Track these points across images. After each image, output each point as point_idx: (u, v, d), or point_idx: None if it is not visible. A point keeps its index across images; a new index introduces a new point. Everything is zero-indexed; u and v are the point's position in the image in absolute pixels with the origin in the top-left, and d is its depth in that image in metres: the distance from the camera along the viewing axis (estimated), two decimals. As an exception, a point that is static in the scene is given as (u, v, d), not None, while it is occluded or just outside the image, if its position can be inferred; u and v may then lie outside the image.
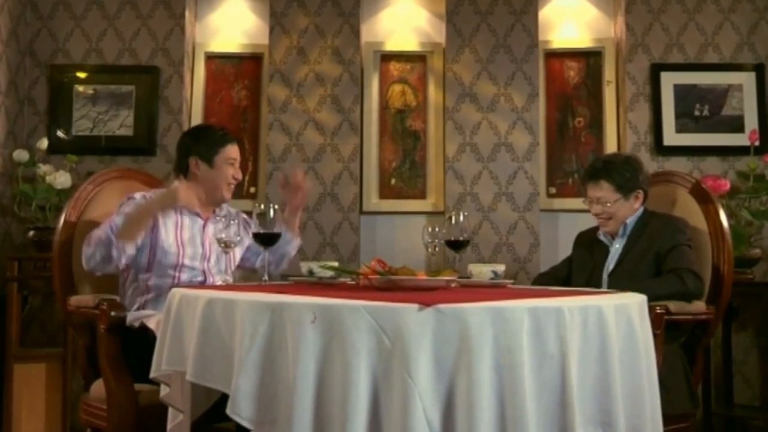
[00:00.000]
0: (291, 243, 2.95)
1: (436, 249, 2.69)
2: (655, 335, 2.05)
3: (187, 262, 2.71)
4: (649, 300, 2.42)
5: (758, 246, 3.68)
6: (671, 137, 4.02)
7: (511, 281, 2.63)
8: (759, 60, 4.04)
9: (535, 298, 1.80)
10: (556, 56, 4.23)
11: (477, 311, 1.60)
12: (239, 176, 2.86)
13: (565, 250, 3.40)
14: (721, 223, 2.86)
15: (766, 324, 3.82)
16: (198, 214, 2.80)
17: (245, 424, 1.65)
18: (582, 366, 1.70)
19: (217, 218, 2.69)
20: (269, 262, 2.80)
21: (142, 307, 2.64)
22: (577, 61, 4.23)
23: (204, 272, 2.74)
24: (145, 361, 2.10)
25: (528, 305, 1.66)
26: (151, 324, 2.44)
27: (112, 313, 2.41)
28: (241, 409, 1.64)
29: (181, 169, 2.84)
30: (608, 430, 1.73)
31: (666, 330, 2.51)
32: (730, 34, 4.06)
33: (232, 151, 2.84)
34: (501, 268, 2.47)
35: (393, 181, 4.18)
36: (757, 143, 3.78)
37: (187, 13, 4.10)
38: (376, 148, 4.17)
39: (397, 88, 4.24)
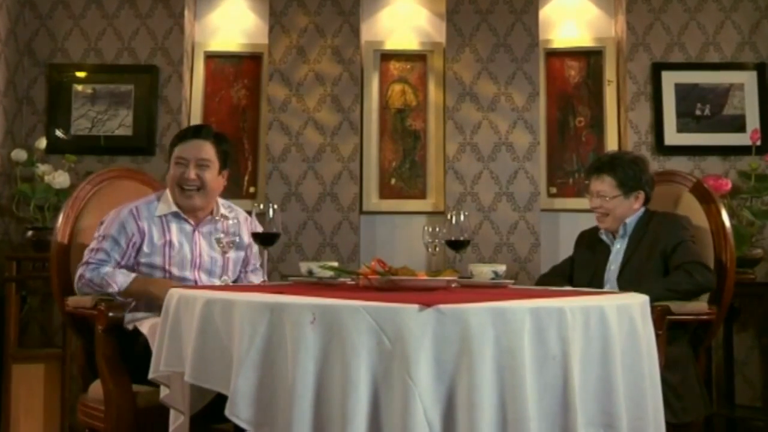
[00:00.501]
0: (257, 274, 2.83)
1: (437, 249, 2.68)
2: (657, 335, 2.03)
3: (175, 271, 2.64)
4: (662, 299, 2.43)
5: (760, 246, 3.67)
6: (672, 137, 4.01)
7: (512, 281, 2.62)
8: (760, 59, 4.03)
9: (537, 299, 1.79)
10: (557, 55, 4.22)
11: (478, 312, 1.59)
12: (189, 176, 2.61)
13: (565, 250, 3.39)
14: (723, 223, 2.85)
15: (767, 324, 3.81)
16: (186, 221, 2.69)
17: (244, 425, 1.64)
18: (584, 367, 1.69)
19: (216, 220, 2.67)
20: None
21: (134, 308, 2.60)
22: (578, 60, 4.22)
23: (195, 282, 2.66)
24: (143, 361, 2.09)
25: (529, 306, 1.65)
26: (144, 329, 2.42)
27: (110, 314, 2.40)
28: (239, 411, 1.63)
29: None
30: (610, 431, 1.71)
31: (674, 330, 2.51)
32: (732, 33, 4.04)
33: (182, 149, 2.64)
34: (502, 268, 2.46)
35: (393, 180, 4.17)
36: (758, 143, 3.77)
37: (186, 13, 4.09)
38: (376, 148, 4.16)
39: (397, 87, 4.22)
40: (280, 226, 2.54)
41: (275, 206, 2.49)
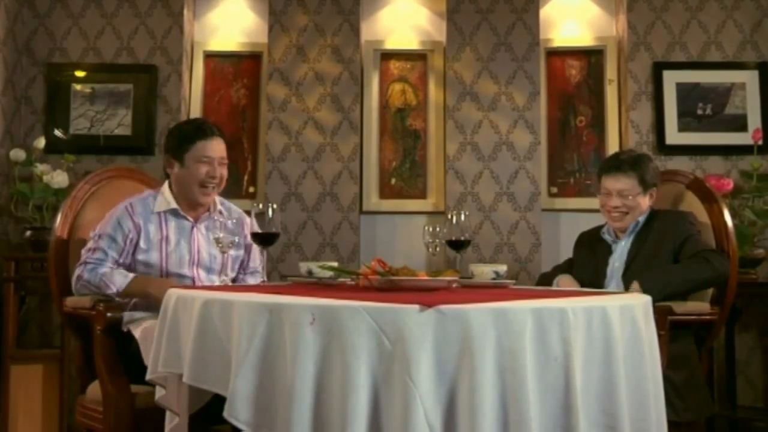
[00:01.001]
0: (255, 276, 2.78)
1: (437, 249, 2.66)
2: (659, 336, 2.02)
3: (173, 268, 2.62)
4: (682, 286, 2.41)
5: (762, 246, 3.65)
6: (673, 136, 3.99)
7: (513, 281, 2.61)
8: (762, 58, 4.01)
9: (538, 299, 1.78)
10: (558, 55, 4.20)
11: (479, 312, 1.57)
12: (216, 175, 2.64)
13: (566, 249, 3.38)
14: (725, 223, 2.83)
15: (769, 324, 3.80)
16: (185, 217, 2.68)
17: (242, 427, 1.63)
18: (586, 368, 1.68)
19: (215, 218, 2.66)
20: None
21: (133, 307, 2.59)
22: (579, 59, 4.20)
23: (193, 279, 2.65)
24: (142, 362, 2.08)
25: (531, 306, 1.63)
26: (137, 333, 2.41)
27: (109, 314, 2.39)
28: (238, 412, 1.61)
29: (165, 171, 2.74)
30: (612, 433, 1.70)
31: (679, 331, 2.49)
32: (733, 32, 4.03)
33: (206, 147, 2.63)
34: (503, 268, 2.45)
35: (393, 180, 4.15)
36: (760, 142, 3.76)
37: (185, 12, 4.07)
38: (376, 148, 4.14)
39: (397, 86, 4.21)
40: (280, 226, 2.53)
41: (275, 206, 2.48)
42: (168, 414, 2.04)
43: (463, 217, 2.61)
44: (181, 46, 4.06)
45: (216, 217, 2.67)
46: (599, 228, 3.01)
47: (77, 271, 2.58)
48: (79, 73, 4.03)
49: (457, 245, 2.60)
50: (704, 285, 2.65)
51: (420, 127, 4.18)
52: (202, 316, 1.77)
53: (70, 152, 3.81)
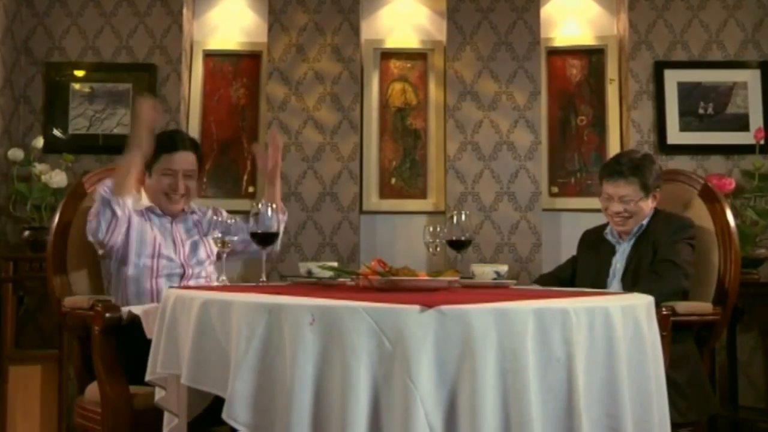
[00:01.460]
0: (272, 218, 2.53)
1: (437, 249, 2.65)
2: (662, 337, 2.00)
3: (164, 251, 2.74)
4: None
5: (764, 246, 3.64)
6: (675, 136, 3.98)
7: (514, 282, 2.60)
8: (764, 57, 4.00)
9: (540, 299, 1.76)
10: (559, 54, 4.19)
11: (480, 313, 1.56)
12: (179, 187, 2.77)
13: (567, 249, 3.37)
14: (727, 223, 2.82)
15: (771, 325, 3.78)
16: (163, 215, 2.83)
17: (241, 429, 1.61)
18: (588, 369, 1.66)
19: (189, 218, 2.86)
20: (249, 242, 2.69)
21: (126, 302, 2.62)
22: (580, 58, 4.19)
23: (183, 265, 2.76)
24: (141, 363, 2.06)
25: (533, 306, 1.62)
26: (138, 311, 2.40)
27: (107, 315, 2.38)
28: (237, 414, 1.60)
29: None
30: (615, 434, 1.69)
31: (680, 331, 2.48)
32: (735, 31, 4.01)
33: (170, 160, 2.76)
34: (504, 268, 2.44)
35: (393, 180, 4.14)
36: (762, 142, 3.75)
37: (184, 11, 4.05)
38: (376, 147, 4.13)
39: (397, 86, 4.19)
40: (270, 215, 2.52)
41: (274, 205, 2.47)
42: (166, 415, 2.02)
43: (463, 217, 2.60)
44: (181, 46, 4.04)
45: (191, 217, 2.88)
46: (603, 227, 2.99)
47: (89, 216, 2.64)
48: (78, 73, 4.01)
49: (458, 245, 2.59)
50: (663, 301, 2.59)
51: (420, 126, 4.16)
52: (201, 316, 1.76)
53: (69, 152, 3.80)
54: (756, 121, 3.93)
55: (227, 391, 1.62)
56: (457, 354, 1.54)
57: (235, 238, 2.58)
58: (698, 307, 2.63)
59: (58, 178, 3.59)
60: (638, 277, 2.70)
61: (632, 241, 2.84)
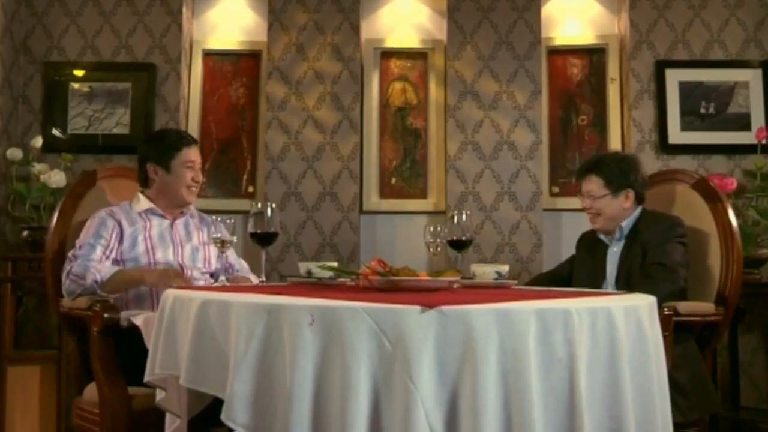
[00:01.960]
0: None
1: (438, 249, 2.64)
2: (664, 337, 1.99)
3: (159, 257, 2.72)
4: None
5: (765, 246, 3.62)
6: (676, 135, 3.97)
7: (515, 282, 2.58)
8: (766, 56, 3.99)
9: (542, 300, 1.75)
10: (559, 53, 4.18)
11: (482, 313, 1.54)
12: (199, 179, 2.85)
13: (568, 250, 3.35)
14: (729, 223, 2.80)
15: (773, 325, 3.77)
16: (163, 216, 2.81)
17: (240, 430, 1.59)
18: (591, 370, 1.64)
19: (189, 219, 2.85)
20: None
21: (125, 306, 2.60)
22: (581, 58, 4.17)
23: (181, 266, 2.74)
24: (139, 364, 2.05)
25: (535, 307, 1.60)
26: (138, 321, 2.39)
27: (105, 315, 2.36)
28: (236, 415, 1.58)
29: (140, 178, 2.86)
30: (618, 436, 1.67)
31: (681, 331, 2.46)
32: (736, 30, 4.00)
33: (189, 153, 2.82)
34: (505, 268, 2.42)
35: (393, 180, 4.12)
36: (764, 141, 3.73)
37: (184, 10, 4.04)
38: (377, 147, 4.11)
39: (397, 85, 4.18)
40: (279, 226, 2.51)
41: (273, 205, 2.47)
42: (168, 416, 2.01)
43: (464, 216, 2.59)
44: (180, 45, 4.03)
45: (191, 219, 2.87)
46: (598, 228, 2.99)
47: (66, 268, 2.59)
48: (77, 72, 4.00)
49: (458, 245, 2.58)
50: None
51: (420, 126, 4.15)
52: (200, 317, 1.74)
53: (68, 151, 3.79)
54: (758, 120, 3.92)
55: (226, 392, 1.60)
56: (458, 355, 1.52)
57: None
58: (700, 307, 2.61)
59: (57, 178, 3.58)
60: (630, 281, 2.68)
61: (622, 243, 2.83)
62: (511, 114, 3.99)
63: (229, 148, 4.13)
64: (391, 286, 1.97)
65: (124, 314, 2.49)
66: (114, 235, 2.68)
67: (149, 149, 2.84)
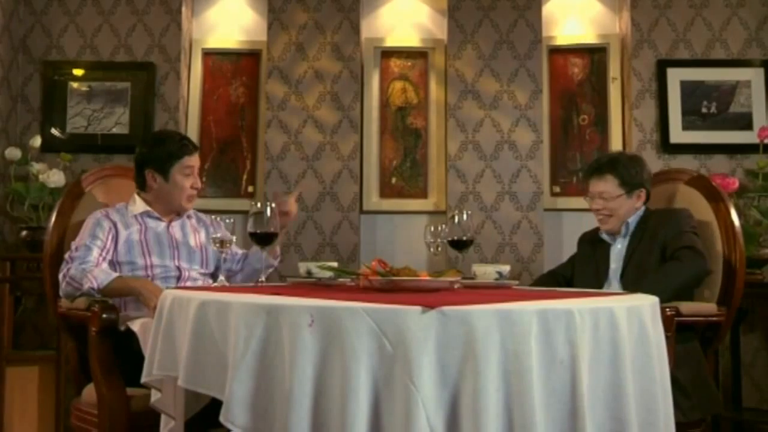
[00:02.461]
0: (266, 261, 2.67)
1: (438, 249, 2.63)
2: (666, 338, 1.97)
3: (156, 261, 2.69)
4: (663, 294, 2.36)
5: (767, 246, 3.60)
6: (678, 135, 3.95)
7: (516, 282, 2.57)
8: (767, 56, 3.97)
9: (544, 300, 1.73)
10: (560, 52, 4.16)
11: (483, 314, 1.53)
12: (198, 185, 2.83)
13: (569, 250, 3.34)
14: (732, 222, 2.79)
15: (775, 326, 3.75)
16: (159, 218, 2.79)
17: (239, 432, 1.58)
18: (593, 371, 1.63)
19: (186, 220, 2.83)
20: (235, 272, 2.92)
21: (124, 306, 2.58)
22: (582, 57, 4.16)
23: (179, 268, 2.72)
24: (138, 364, 2.04)
25: (536, 307, 1.59)
26: (135, 327, 2.38)
27: (104, 316, 2.35)
28: (235, 417, 1.57)
29: (138, 182, 2.83)
30: (620, 438, 1.66)
31: (684, 332, 2.45)
32: (738, 29, 3.99)
33: (189, 160, 2.79)
34: (506, 268, 2.41)
35: (394, 179, 4.11)
36: (766, 141, 3.71)
37: (183, 9, 4.03)
38: (377, 146, 4.10)
39: (397, 85, 4.16)
40: (278, 226, 2.49)
41: (273, 205, 2.45)
42: (163, 418, 1.99)
43: (464, 216, 2.58)
44: (180, 44, 4.02)
45: (187, 220, 2.85)
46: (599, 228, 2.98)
47: (63, 271, 2.57)
48: (76, 71, 3.99)
49: (459, 245, 2.57)
50: (683, 287, 2.59)
51: (421, 125, 4.13)
52: (198, 317, 1.73)
53: (67, 151, 3.78)
54: (759, 120, 3.90)
55: (225, 393, 1.59)
56: (459, 356, 1.51)
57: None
58: (703, 307, 2.60)
59: (55, 178, 3.57)
60: (641, 276, 2.66)
61: (626, 241, 2.82)
62: (511, 113, 3.97)
63: (229, 147, 4.12)
64: (391, 287, 1.96)
65: (122, 315, 2.48)
66: (110, 236, 2.66)
67: (149, 155, 2.80)
